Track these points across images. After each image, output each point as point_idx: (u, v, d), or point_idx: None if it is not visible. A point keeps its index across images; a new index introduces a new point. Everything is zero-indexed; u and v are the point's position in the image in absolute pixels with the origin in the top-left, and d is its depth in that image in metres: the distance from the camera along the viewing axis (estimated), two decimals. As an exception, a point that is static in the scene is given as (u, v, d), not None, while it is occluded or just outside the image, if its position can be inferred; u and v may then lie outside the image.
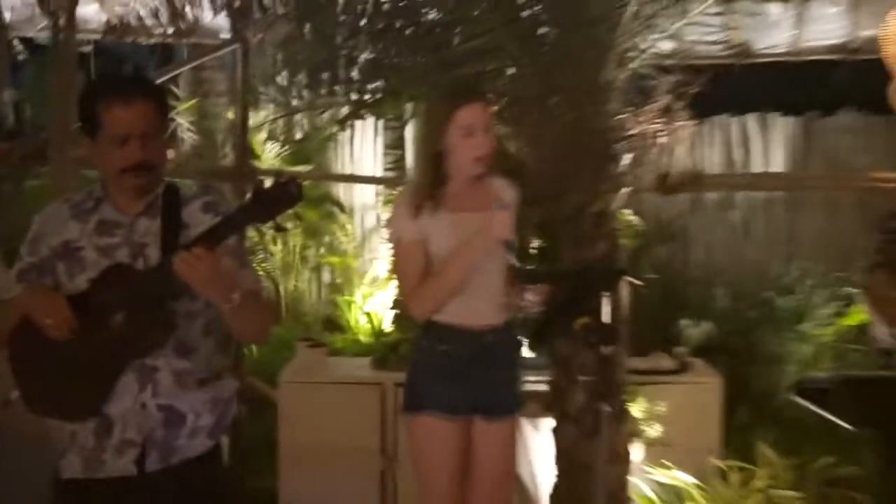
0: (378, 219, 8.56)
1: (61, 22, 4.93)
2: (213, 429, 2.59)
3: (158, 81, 4.33)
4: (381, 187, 8.46)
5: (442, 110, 3.05)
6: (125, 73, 2.93)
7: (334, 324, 8.31)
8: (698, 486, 4.40)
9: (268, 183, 2.44)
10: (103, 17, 6.67)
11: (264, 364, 7.15)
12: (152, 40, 7.05)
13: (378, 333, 7.50)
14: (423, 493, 3.20)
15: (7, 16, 6.64)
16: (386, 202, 8.34)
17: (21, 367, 2.52)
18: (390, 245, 3.13)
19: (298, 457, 5.33)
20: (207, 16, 6.54)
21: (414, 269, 3.04)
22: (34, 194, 7.30)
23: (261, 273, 6.27)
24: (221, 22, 6.52)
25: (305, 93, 4.28)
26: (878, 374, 3.39)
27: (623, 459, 3.99)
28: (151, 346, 2.47)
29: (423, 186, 3.06)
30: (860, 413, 2.98)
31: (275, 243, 8.13)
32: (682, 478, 4.47)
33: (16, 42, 8.14)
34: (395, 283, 7.90)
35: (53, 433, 2.56)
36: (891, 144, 7.78)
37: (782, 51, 6.71)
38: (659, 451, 4.75)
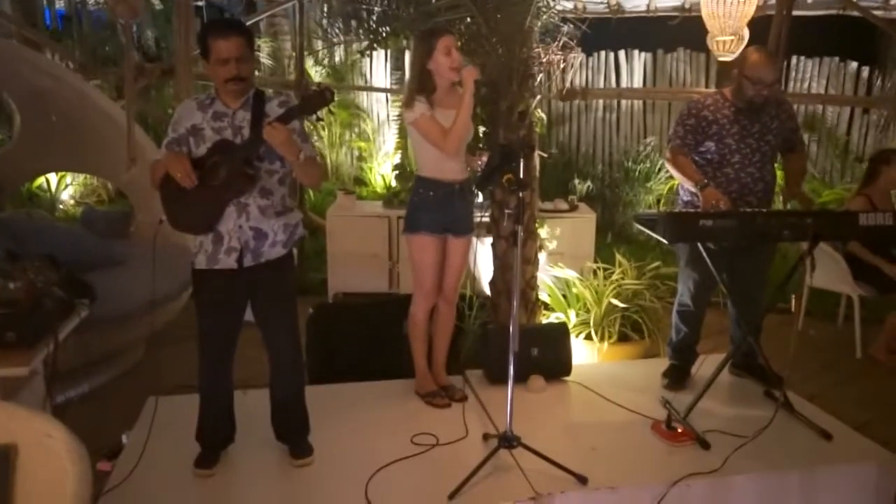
0: (388, 116, 8.41)
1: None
2: (285, 242, 2.61)
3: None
4: (389, 95, 8.28)
5: (431, 39, 2.98)
6: (225, 18, 2.82)
7: (361, 181, 8.29)
8: (579, 279, 4.48)
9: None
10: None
11: (318, 205, 7.21)
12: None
13: (387, 187, 7.51)
14: (415, 284, 3.21)
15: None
16: (393, 104, 8.21)
17: (167, 200, 2.54)
18: (410, 124, 3.04)
19: (339, 260, 5.43)
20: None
21: (437, 129, 2.97)
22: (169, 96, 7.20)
23: (316, 149, 6.23)
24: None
25: (340, 33, 4.15)
26: (682, 211, 3.38)
27: (533, 262, 4.06)
28: (243, 190, 2.50)
29: (419, 90, 3.00)
30: (672, 235, 2.99)
31: (323, 132, 8.04)
32: (569, 274, 4.53)
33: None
34: (398, 155, 7.88)
35: (189, 241, 2.60)
36: (709, 72, 7.69)
37: (642, 9, 6.53)
38: (556, 258, 4.86)
